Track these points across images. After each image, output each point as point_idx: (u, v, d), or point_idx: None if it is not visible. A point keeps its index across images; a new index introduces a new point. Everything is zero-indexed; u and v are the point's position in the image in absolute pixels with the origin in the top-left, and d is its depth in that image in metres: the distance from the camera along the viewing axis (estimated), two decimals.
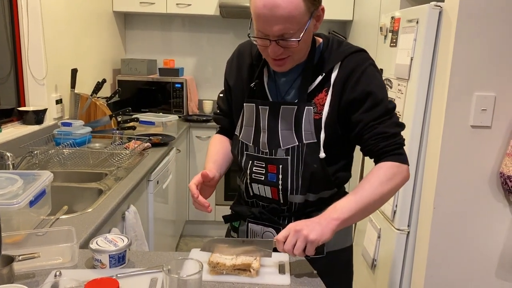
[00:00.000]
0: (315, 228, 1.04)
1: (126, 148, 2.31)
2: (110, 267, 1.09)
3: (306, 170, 1.20)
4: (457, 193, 1.83)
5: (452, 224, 1.85)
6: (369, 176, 1.14)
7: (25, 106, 2.45)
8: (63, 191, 1.82)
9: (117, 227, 1.73)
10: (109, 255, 1.08)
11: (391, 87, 2.15)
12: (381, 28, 2.33)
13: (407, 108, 1.96)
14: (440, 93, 1.81)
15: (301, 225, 1.06)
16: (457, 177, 1.81)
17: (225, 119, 1.40)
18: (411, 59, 1.92)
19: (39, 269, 1.08)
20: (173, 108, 3.64)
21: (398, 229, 2.02)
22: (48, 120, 2.50)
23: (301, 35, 1.09)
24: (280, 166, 1.22)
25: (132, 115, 2.95)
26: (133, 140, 2.42)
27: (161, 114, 3.30)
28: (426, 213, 1.90)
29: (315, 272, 1.12)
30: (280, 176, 1.22)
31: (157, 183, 2.38)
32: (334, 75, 1.19)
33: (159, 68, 3.74)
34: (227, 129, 1.41)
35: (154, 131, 2.92)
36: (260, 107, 1.24)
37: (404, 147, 1.19)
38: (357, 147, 1.30)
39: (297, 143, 1.20)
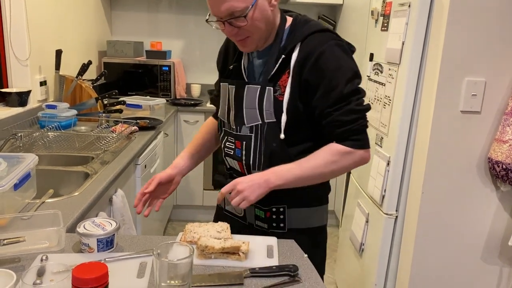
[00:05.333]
0: (254, 191, 1.14)
1: (112, 132, 2.27)
2: (98, 251, 1.07)
3: (266, 148, 1.25)
4: (445, 178, 1.84)
5: (440, 208, 1.86)
6: (319, 152, 1.19)
7: (7, 87, 2.38)
8: (49, 174, 1.78)
9: (105, 211, 1.71)
10: (97, 239, 1.06)
11: (381, 72, 2.14)
12: (372, 12, 2.31)
13: (397, 92, 1.96)
14: (431, 77, 1.80)
15: (243, 186, 1.15)
16: (445, 162, 1.82)
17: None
18: (403, 43, 1.91)
19: (24, 253, 1.05)
20: (161, 91, 3.59)
21: (386, 214, 2.03)
22: (32, 103, 2.43)
23: (247, 12, 1.11)
24: (244, 142, 1.29)
25: (118, 98, 2.89)
26: (120, 124, 2.38)
27: (148, 97, 3.24)
28: (414, 198, 1.91)
29: (306, 255, 1.12)
30: (244, 152, 1.29)
31: (145, 167, 2.35)
32: (294, 56, 1.20)
33: (146, 51, 3.68)
34: None
35: (141, 114, 2.88)
36: (229, 86, 1.31)
37: (363, 131, 1.19)
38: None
39: (260, 122, 1.24)
